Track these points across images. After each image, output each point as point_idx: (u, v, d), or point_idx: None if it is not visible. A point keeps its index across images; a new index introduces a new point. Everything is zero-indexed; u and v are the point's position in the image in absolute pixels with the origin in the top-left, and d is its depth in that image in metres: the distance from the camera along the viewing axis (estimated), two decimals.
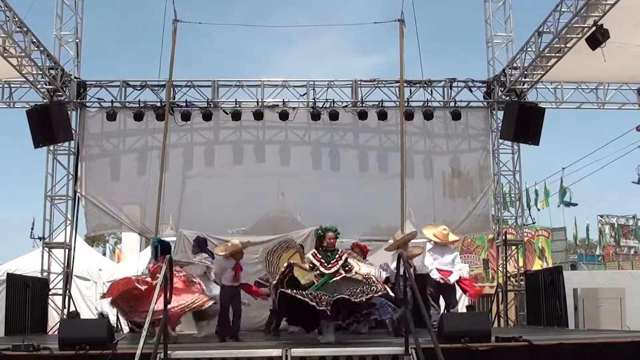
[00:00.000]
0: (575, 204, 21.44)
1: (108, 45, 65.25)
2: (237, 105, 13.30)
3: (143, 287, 8.48)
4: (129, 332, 10.56)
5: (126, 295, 8.74)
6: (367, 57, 75.65)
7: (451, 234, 10.33)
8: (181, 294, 8.57)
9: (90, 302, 14.80)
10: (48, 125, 12.09)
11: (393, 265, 9.41)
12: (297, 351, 6.78)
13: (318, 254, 8.39)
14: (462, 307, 14.51)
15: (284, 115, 13.16)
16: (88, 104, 13.46)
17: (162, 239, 10.26)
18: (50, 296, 12.45)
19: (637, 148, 20.16)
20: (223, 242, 10.17)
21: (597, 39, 10.07)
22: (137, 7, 70.02)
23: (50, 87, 12.58)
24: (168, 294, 6.97)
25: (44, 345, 6.95)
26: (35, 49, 11.57)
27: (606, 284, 14.22)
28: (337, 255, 8.39)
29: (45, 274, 12.58)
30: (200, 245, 10.27)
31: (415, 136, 13.65)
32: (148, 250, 12.13)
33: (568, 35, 10.86)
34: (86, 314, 13.87)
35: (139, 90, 13.36)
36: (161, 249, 9.44)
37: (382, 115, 13.26)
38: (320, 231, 8.62)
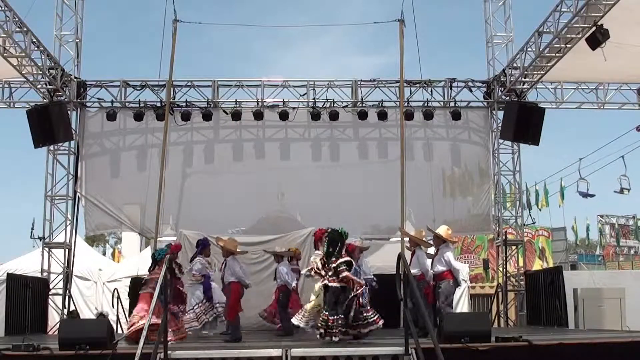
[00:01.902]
0: (592, 195, 21.27)
1: (108, 45, 65.24)
2: (237, 105, 13.30)
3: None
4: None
5: None
6: (367, 57, 75.57)
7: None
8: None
9: (90, 302, 14.80)
10: (48, 125, 12.10)
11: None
12: (297, 351, 6.79)
13: (324, 257, 8.36)
14: (462, 307, 14.54)
15: (284, 115, 13.15)
16: (88, 104, 13.47)
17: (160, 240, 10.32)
18: (50, 296, 12.45)
19: (637, 148, 20.08)
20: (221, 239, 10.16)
21: (597, 39, 10.07)
22: (137, 7, 69.97)
23: (50, 87, 12.58)
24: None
25: (44, 345, 6.95)
26: (35, 49, 11.57)
27: (606, 284, 14.20)
28: (333, 259, 8.35)
29: (45, 274, 12.58)
30: (199, 247, 10.33)
31: (415, 136, 13.65)
32: (148, 250, 12.15)
33: (568, 35, 10.86)
34: (86, 314, 13.88)
35: (139, 90, 13.37)
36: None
37: (382, 115, 13.25)
38: (341, 232, 8.49)
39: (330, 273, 8.08)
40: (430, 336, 6.39)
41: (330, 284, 8.02)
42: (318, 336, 7.94)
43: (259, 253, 11.76)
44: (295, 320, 8.80)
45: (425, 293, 9.16)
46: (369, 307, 8.42)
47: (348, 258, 8.28)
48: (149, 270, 9.18)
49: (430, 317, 8.10)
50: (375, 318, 8.24)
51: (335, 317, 7.85)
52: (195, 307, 10.11)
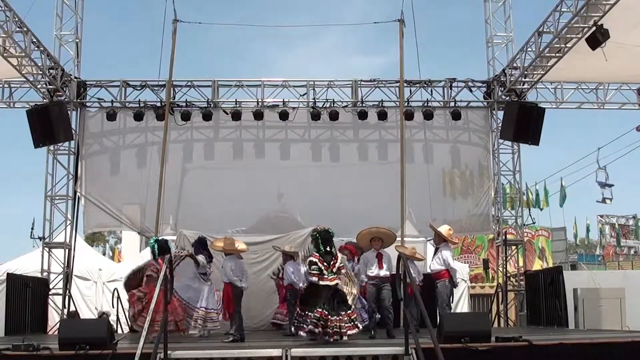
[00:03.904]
0: (611, 185, 21.13)
1: (108, 45, 65.29)
2: (237, 105, 13.29)
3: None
4: (129, 332, 10.56)
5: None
6: (368, 58, 75.74)
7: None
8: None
9: (90, 302, 14.81)
10: (48, 125, 12.10)
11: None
12: (297, 351, 6.79)
13: (322, 258, 8.31)
14: (462, 307, 14.54)
15: (284, 115, 13.15)
16: (88, 104, 13.46)
17: (159, 238, 10.28)
18: (50, 296, 12.45)
19: (637, 148, 20.09)
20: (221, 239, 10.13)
21: (597, 39, 10.07)
22: (137, 7, 70.10)
23: (50, 87, 12.58)
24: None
25: (44, 345, 6.95)
26: (35, 49, 11.57)
27: (606, 284, 14.19)
28: (333, 258, 8.32)
29: (45, 274, 12.58)
30: (199, 246, 10.28)
31: (415, 136, 13.64)
32: (148, 250, 12.15)
33: (568, 35, 10.86)
34: (86, 314, 13.88)
35: (139, 90, 13.37)
36: (159, 249, 9.48)
37: (382, 115, 13.25)
38: (332, 232, 8.47)
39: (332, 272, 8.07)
40: (430, 336, 6.38)
41: (331, 284, 8.01)
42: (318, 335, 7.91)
43: (259, 253, 11.77)
44: None
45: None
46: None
47: (340, 257, 8.27)
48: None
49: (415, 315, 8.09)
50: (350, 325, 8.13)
51: (337, 317, 7.84)
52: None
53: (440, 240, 9.84)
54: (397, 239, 10.56)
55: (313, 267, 8.14)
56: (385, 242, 9.55)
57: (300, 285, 10.01)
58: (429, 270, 10.11)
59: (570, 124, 70.34)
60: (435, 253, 9.88)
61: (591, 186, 22.16)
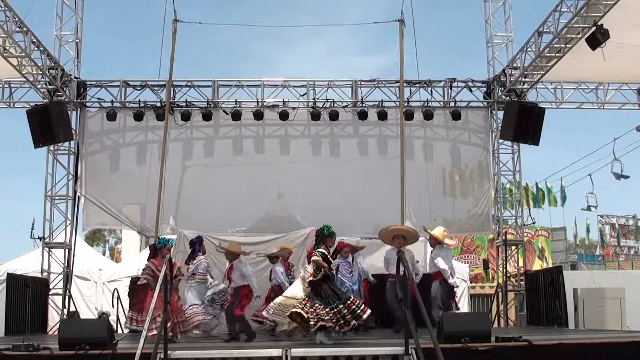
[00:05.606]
0: (627, 177, 20.94)
1: (108, 45, 65.27)
2: (237, 105, 13.28)
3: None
4: (128, 333, 10.57)
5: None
6: (368, 58, 75.68)
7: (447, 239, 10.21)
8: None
9: (90, 302, 14.81)
10: (48, 125, 12.09)
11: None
12: (297, 351, 6.79)
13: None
14: (462, 307, 14.53)
15: (284, 115, 13.14)
16: (88, 104, 13.46)
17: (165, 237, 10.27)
18: (50, 296, 12.45)
19: (637, 148, 20.06)
20: (224, 241, 10.15)
21: (597, 39, 10.07)
22: (137, 7, 69.97)
23: (50, 87, 12.58)
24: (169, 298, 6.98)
25: (44, 345, 6.96)
26: (35, 49, 11.57)
27: (606, 284, 14.18)
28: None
29: (45, 274, 12.58)
30: (196, 245, 10.29)
31: (415, 136, 13.64)
32: (148, 250, 12.15)
33: (568, 35, 10.86)
34: (86, 314, 13.88)
35: (139, 90, 13.36)
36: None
37: (382, 115, 13.24)
38: (332, 230, 8.58)
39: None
40: (430, 336, 6.38)
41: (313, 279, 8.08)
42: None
43: (258, 253, 11.75)
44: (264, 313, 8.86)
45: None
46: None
47: (321, 250, 8.25)
48: (148, 259, 9.25)
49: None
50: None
51: (327, 309, 7.84)
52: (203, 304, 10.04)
53: (434, 242, 9.86)
54: (421, 238, 10.59)
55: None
56: (408, 240, 9.57)
57: (287, 285, 10.04)
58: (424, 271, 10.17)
59: (570, 124, 70.32)
60: (431, 254, 9.93)
61: (591, 186, 22.15)
